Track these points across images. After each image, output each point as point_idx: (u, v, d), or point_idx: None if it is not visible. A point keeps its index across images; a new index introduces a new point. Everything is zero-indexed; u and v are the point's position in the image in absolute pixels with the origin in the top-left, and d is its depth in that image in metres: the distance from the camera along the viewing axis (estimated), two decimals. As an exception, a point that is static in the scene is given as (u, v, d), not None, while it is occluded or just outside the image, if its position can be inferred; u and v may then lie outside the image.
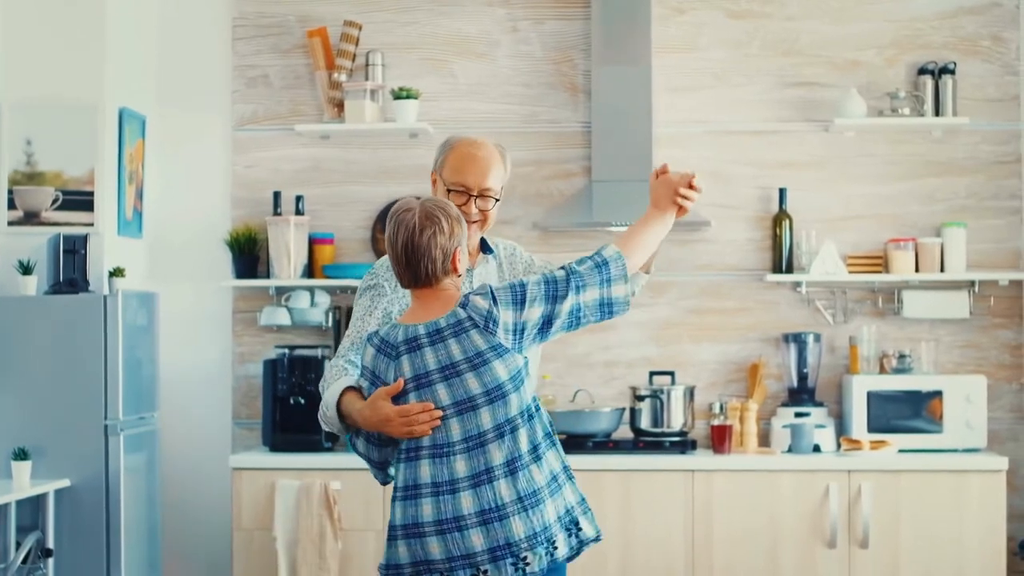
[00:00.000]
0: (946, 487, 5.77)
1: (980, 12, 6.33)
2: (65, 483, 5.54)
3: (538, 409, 3.46)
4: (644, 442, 6.02)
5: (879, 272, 6.21)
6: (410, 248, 3.42)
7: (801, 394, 6.19)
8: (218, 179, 6.49)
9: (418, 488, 3.41)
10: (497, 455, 3.38)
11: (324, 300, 6.30)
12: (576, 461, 5.80)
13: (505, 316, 3.39)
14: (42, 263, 5.78)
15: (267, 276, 6.37)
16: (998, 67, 6.32)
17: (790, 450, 6.00)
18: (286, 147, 6.47)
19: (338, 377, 3.62)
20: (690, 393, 6.11)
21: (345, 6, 6.44)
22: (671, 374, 6.18)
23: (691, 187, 3.57)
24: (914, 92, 6.25)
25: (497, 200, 3.78)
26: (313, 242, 6.32)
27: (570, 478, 3.49)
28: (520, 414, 3.40)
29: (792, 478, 5.80)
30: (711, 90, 6.39)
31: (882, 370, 6.20)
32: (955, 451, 5.98)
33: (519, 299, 3.41)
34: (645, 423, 6.08)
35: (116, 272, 5.81)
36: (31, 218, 5.86)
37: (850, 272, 6.19)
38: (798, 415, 6.10)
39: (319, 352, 6.21)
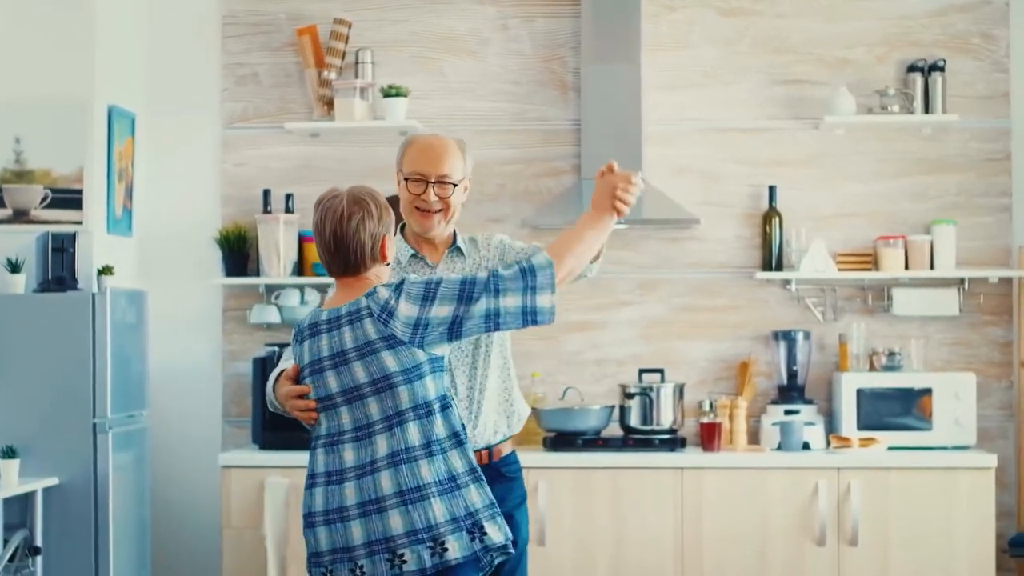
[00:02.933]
0: (935, 484, 5.77)
1: (970, 10, 6.33)
2: (53, 481, 5.53)
3: (445, 408, 3.37)
4: (634, 440, 6.02)
5: (869, 270, 6.21)
6: (339, 233, 3.39)
7: (791, 392, 6.18)
8: (208, 177, 6.48)
9: (315, 477, 3.41)
10: (383, 446, 3.33)
11: (314, 298, 6.29)
12: (565, 459, 5.86)
13: (406, 310, 3.33)
14: (31, 261, 5.77)
15: (257, 274, 6.36)
16: (988, 64, 6.32)
17: (779, 448, 6.00)
18: (276, 145, 6.46)
19: (287, 359, 3.70)
20: (680, 391, 6.11)
21: (335, 4, 6.44)
22: (661, 372, 6.17)
23: (629, 184, 3.54)
24: (904, 90, 6.25)
25: (455, 186, 3.78)
26: (303, 240, 6.31)
27: (477, 480, 3.37)
28: (413, 408, 3.33)
29: (781, 476, 5.80)
30: (701, 88, 6.39)
31: (872, 367, 6.20)
32: (944, 448, 5.98)
33: (429, 296, 3.34)
34: (635, 421, 6.07)
35: (105, 270, 5.80)
36: (20, 216, 5.85)
37: (840, 270, 6.19)
38: (788, 413, 6.10)
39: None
